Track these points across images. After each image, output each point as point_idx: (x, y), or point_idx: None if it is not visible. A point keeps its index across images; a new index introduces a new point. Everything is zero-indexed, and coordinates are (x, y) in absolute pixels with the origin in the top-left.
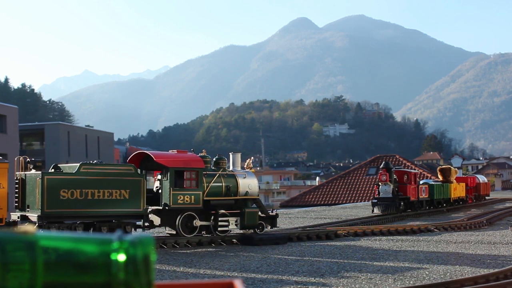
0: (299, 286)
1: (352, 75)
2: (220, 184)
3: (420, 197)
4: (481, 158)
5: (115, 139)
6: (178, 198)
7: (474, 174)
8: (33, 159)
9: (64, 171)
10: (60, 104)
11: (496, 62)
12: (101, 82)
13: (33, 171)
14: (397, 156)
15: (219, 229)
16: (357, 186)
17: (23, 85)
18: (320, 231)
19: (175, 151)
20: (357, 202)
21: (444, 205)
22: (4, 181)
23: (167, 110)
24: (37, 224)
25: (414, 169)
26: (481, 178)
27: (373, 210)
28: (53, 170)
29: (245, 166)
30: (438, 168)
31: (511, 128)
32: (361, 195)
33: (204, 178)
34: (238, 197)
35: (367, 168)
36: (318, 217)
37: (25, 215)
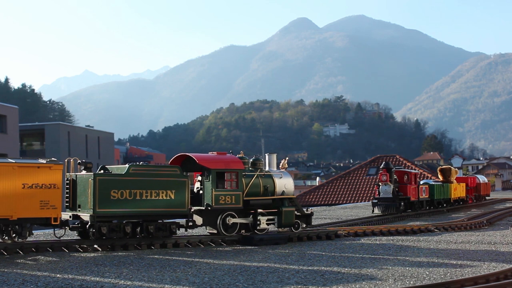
0: (299, 286)
1: (352, 75)
2: (258, 184)
3: (420, 197)
4: (481, 158)
5: (115, 139)
6: (220, 198)
7: (474, 174)
8: (83, 160)
9: (112, 172)
10: (61, 104)
11: (496, 62)
12: (101, 82)
13: (83, 172)
14: (397, 156)
15: (258, 227)
16: (357, 186)
17: (24, 85)
18: (320, 231)
19: (214, 153)
20: (357, 202)
21: (444, 205)
22: (59, 181)
23: (167, 110)
24: (89, 223)
25: (415, 169)
26: (481, 178)
27: (373, 210)
28: (102, 171)
29: (280, 166)
30: (438, 168)
31: (511, 128)
32: (361, 195)
33: (243, 179)
34: (275, 197)
35: (367, 168)
36: (318, 217)
37: (76, 214)
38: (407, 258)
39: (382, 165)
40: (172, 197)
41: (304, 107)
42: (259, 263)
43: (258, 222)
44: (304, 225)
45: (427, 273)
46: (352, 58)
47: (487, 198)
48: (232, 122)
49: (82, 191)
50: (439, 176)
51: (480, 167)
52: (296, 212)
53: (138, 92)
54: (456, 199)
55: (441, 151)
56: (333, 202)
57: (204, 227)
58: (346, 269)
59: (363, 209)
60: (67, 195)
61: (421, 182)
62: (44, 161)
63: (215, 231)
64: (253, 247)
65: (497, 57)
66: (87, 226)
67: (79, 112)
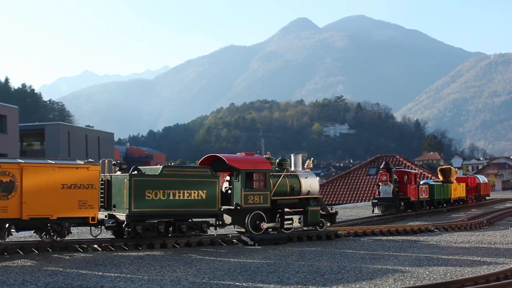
0: (299, 286)
1: (352, 75)
2: (285, 184)
3: (421, 197)
4: (481, 158)
5: (115, 139)
6: (249, 198)
7: (474, 174)
8: (118, 161)
9: (146, 173)
10: (61, 104)
11: (496, 62)
12: (101, 82)
13: (118, 173)
14: (397, 156)
15: (285, 226)
16: (358, 186)
17: (24, 85)
18: (320, 231)
19: (243, 154)
20: (357, 202)
21: (445, 205)
22: (96, 182)
23: (167, 110)
24: (125, 223)
25: (415, 169)
26: (482, 178)
27: (373, 210)
28: (136, 172)
29: (305, 166)
30: (438, 168)
31: (511, 128)
32: (361, 195)
33: (271, 179)
34: (301, 196)
35: (367, 168)
36: None
37: (112, 214)
38: (407, 258)
39: (382, 165)
40: (204, 197)
41: (304, 107)
42: (259, 263)
43: (285, 221)
44: (329, 224)
45: (427, 273)
46: (352, 58)
47: (487, 198)
48: (232, 122)
49: (117, 191)
50: (439, 176)
51: (480, 167)
52: (321, 211)
53: (138, 92)
54: (456, 199)
55: (441, 151)
56: (333, 202)
57: (233, 225)
58: (346, 269)
59: (363, 209)
60: (102, 195)
61: (421, 182)
62: (82, 162)
63: (243, 230)
64: (253, 247)
65: (497, 57)
66: (123, 225)
67: (79, 112)
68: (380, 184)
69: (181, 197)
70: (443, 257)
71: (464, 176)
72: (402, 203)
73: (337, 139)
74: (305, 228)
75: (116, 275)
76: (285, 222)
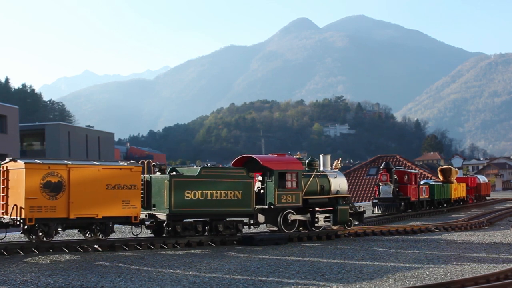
0: (299, 287)
1: (353, 75)
2: (315, 183)
3: (421, 197)
4: (481, 158)
5: (116, 139)
6: (282, 197)
7: (474, 174)
8: (157, 162)
9: (184, 174)
10: (61, 104)
11: (497, 62)
12: (101, 82)
13: (158, 173)
14: (398, 156)
15: (316, 225)
16: (358, 186)
17: (24, 85)
18: (320, 231)
19: (274, 154)
20: (357, 202)
21: (445, 205)
22: (138, 182)
23: (167, 110)
24: (165, 222)
25: (415, 169)
26: (482, 179)
27: (373, 211)
28: (174, 173)
29: (333, 166)
30: (438, 169)
31: (511, 128)
32: (361, 195)
33: (302, 179)
34: (331, 196)
35: (368, 168)
36: None
37: (152, 213)
38: (407, 258)
39: (382, 165)
40: (239, 197)
41: (304, 107)
42: (259, 263)
43: (316, 220)
44: (356, 222)
45: (427, 273)
46: (352, 58)
47: (487, 198)
48: (232, 122)
49: (157, 192)
50: (439, 176)
51: (480, 167)
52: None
53: (138, 92)
54: (456, 199)
55: (441, 151)
56: None
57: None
58: (346, 269)
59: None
60: (142, 195)
61: (421, 182)
62: (125, 163)
63: (275, 228)
64: (253, 247)
65: (497, 57)
66: (164, 224)
67: (79, 112)
68: (380, 184)
69: (218, 197)
70: (443, 257)
71: (464, 176)
72: (402, 203)
73: (337, 139)
74: (334, 227)
75: (116, 275)
76: (316, 221)
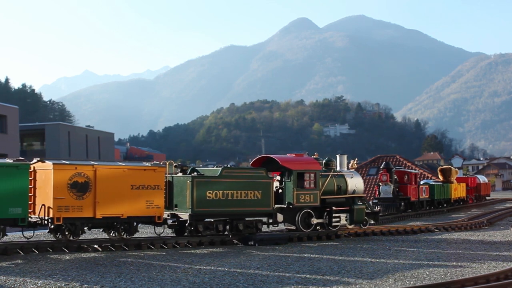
0: (299, 286)
1: (353, 75)
2: (333, 183)
3: (421, 197)
4: (481, 159)
5: (116, 139)
6: (300, 197)
7: (474, 174)
8: (179, 163)
9: (205, 175)
10: (61, 104)
11: (497, 62)
12: (101, 82)
13: (180, 174)
14: (398, 156)
15: (333, 224)
16: None
17: (24, 85)
18: (320, 231)
19: (293, 155)
20: None
21: (445, 205)
22: (162, 183)
23: (167, 110)
24: (188, 222)
25: (415, 169)
26: (482, 179)
27: None
28: (195, 173)
29: (349, 166)
30: (438, 169)
31: (511, 128)
32: None
33: (319, 179)
34: (347, 195)
35: (368, 168)
36: None
37: (174, 213)
38: (407, 258)
39: (382, 165)
40: (259, 196)
41: (304, 107)
42: (260, 263)
43: (333, 219)
44: (372, 222)
45: (427, 273)
46: (352, 58)
47: (487, 198)
48: (232, 122)
49: (179, 192)
50: (439, 176)
51: (480, 167)
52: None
53: (138, 92)
54: (456, 199)
55: (441, 151)
56: None
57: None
58: (346, 269)
59: None
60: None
61: (421, 182)
62: (149, 164)
63: (293, 227)
64: (253, 247)
65: (497, 57)
66: (187, 224)
67: (79, 112)
68: (380, 184)
69: (239, 197)
70: (443, 257)
71: (464, 176)
72: (402, 203)
73: (337, 139)
74: (349, 226)
75: (116, 275)
76: (333, 220)
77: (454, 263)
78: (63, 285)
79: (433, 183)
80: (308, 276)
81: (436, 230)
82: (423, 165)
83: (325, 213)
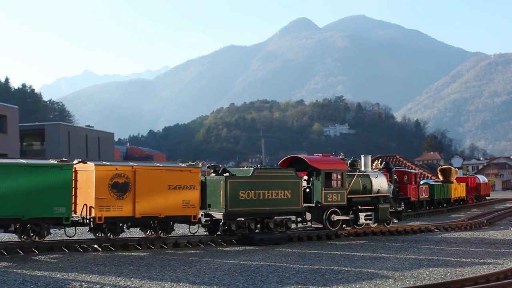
0: (299, 286)
1: (352, 75)
2: (358, 183)
3: (421, 197)
4: (481, 158)
5: (116, 139)
6: (328, 196)
7: (474, 174)
8: (212, 164)
9: (237, 175)
10: (61, 104)
11: (497, 62)
12: (101, 82)
13: (212, 174)
14: (398, 156)
15: (359, 222)
16: None
17: (24, 85)
18: (320, 231)
19: (320, 155)
20: None
21: (445, 205)
22: (197, 183)
23: (167, 110)
24: (222, 221)
25: (415, 169)
26: (482, 178)
27: None
28: (228, 174)
29: (373, 166)
30: (438, 168)
31: (511, 128)
32: None
33: (346, 179)
34: (372, 195)
35: None
36: None
37: (208, 213)
38: (407, 258)
39: (382, 165)
40: (289, 196)
41: (304, 107)
42: (260, 263)
43: (360, 218)
44: (396, 221)
45: (427, 273)
46: (352, 58)
47: (487, 198)
48: (232, 122)
49: (212, 192)
50: (439, 176)
51: (480, 167)
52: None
53: (138, 92)
54: (456, 199)
55: (441, 151)
56: None
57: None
58: (346, 269)
59: None
60: None
61: (421, 182)
62: (185, 165)
63: (320, 226)
64: (253, 247)
65: (497, 57)
66: (221, 223)
67: (79, 112)
68: None
69: (270, 197)
70: (443, 257)
71: (464, 176)
72: (402, 203)
73: (337, 139)
74: (372, 225)
75: (116, 275)
76: (359, 218)
77: (454, 263)
78: (63, 285)
79: (433, 183)
80: (308, 276)
81: (436, 230)
82: (423, 165)
83: (351, 212)
